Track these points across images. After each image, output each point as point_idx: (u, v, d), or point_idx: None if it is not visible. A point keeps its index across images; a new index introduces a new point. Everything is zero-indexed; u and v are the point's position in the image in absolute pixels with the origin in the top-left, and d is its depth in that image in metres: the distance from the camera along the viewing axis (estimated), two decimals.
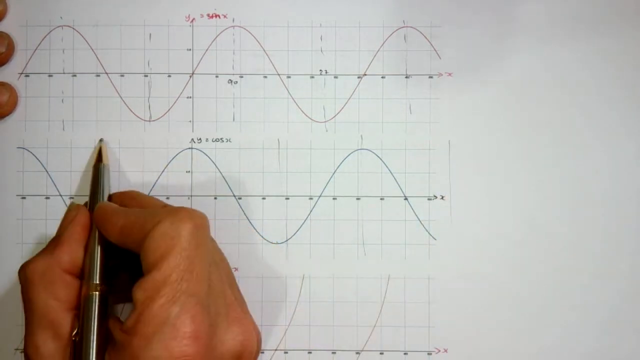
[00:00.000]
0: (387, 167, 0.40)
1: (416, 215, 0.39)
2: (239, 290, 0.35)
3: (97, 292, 0.33)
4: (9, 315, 0.39)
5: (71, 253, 0.33)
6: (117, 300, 0.37)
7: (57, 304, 0.32)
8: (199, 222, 0.32)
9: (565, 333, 0.39)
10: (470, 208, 0.39)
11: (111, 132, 0.39)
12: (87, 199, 0.37)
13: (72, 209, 0.35)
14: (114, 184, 0.39)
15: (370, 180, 0.40)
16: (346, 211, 0.39)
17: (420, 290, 0.39)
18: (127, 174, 0.39)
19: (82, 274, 0.34)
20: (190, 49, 0.40)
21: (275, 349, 0.39)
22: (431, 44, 0.40)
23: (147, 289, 0.30)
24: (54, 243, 0.34)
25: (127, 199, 0.36)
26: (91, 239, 0.34)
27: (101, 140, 0.39)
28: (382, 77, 0.40)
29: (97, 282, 0.33)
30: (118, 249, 0.33)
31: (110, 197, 0.37)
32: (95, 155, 0.39)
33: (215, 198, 0.39)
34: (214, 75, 0.40)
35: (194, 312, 0.30)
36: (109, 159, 0.39)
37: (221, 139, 0.40)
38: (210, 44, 0.40)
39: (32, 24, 0.40)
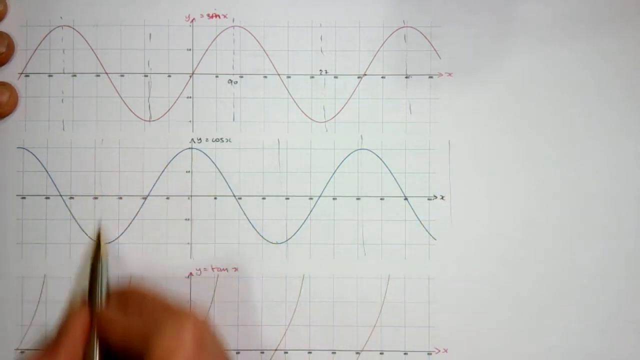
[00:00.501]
0: (387, 167, 0.40)
1: (416, 215, 0.39)
2: None
3: None
4: (9, 315, 0.39)
5: (71, 358, 0.34)
6: None
7: None
8: (201, 327, 0.32)
9: (566, 333, 0.39)
10: (470, 208, 0.39)
11: (111, 132, 0.39)
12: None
13: (72, 311, 0.35)
14: (114, 186, 0.39)
15: (370, 180, 0.40)
16: (346, 211, 0.39)
17: (420, 290, 0.39)
18: (127, 174, 0.39)
19: None
20: (190, 49, 0.40)
21: (275, 349, 0.39)
22: (431, 44, 0.40)
23: None
24: (53, 346, 0.34)
25: (127, 297, 0.36)
26: (90, 343, 0.34)
27: (99, 226, 0.38)
28: (382, 77, 0.40)
29: None
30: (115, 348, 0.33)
31: (108, 292, 0.37)
32: (93, 245, 0.38)
33: (215, 198, 0.39)
34: (214, 75, 0.40)
35: None
36: (107, 251, 0.38)
37: (221, 139, 0.40)
38: (210, 44, 0.40)
39: (32, 24, 0.40)
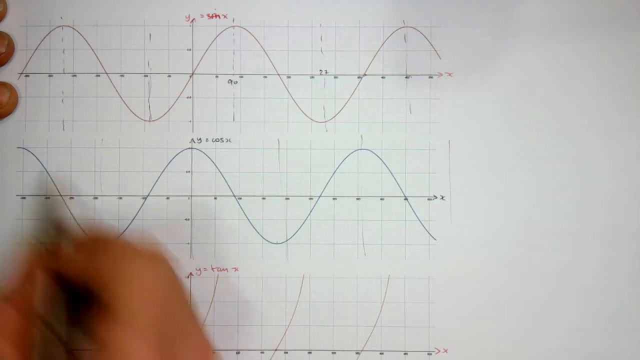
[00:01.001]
0: (387, 167, 0.40)
1: (416, 215, 0.39)
2: (196, 317, 0.36)
3: (47, 329, 0.33)
4: None
5: (25, 292, 0.34)
6: (74, 332, 0.37)
7: (7, 343, 0.32)
8: (161, 261, 0.32)
9: (565, 333, 0.39)
10: (470, 208, 0.39)
11: (111, 132, 0.39)
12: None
13: (27, 247, 0.35)
14: (114, 186, 0.39)
15: (370, 180, 0.40)
16: (346, 211, 0.39)
17: (420, 290, 0.39)
18: (127, 174, 0.39)
19: (35, 312, 0.34)
20: (190, 49, 0.40)
21: (275, 349, 0.39)
22: (431, 44, 0.40)
23: (107, 325, 0.30)
24: (7, 281, 0.34)
25: (92, 240, 0.36)
26: (45, 277, 0.34)
27: (46, 173, 0.39)
28: (382, 77, 0.40)
29: (50, 319, 0.33)
30: (74, 285, 0.33)
31: (65, 231, 0.37)
32: (45, 188, 0.38)
33: (215, 198, 0.39)
34: (214, 75, 0.40)
35: (154, 342, 0.31)
36: (59, 189, 0.38)
37: (221, 139, 0.40)
38: (210, 44, 0.40)
39: (32, 24, 0.40)
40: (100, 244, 0.36)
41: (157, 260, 0.33)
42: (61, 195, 0.38)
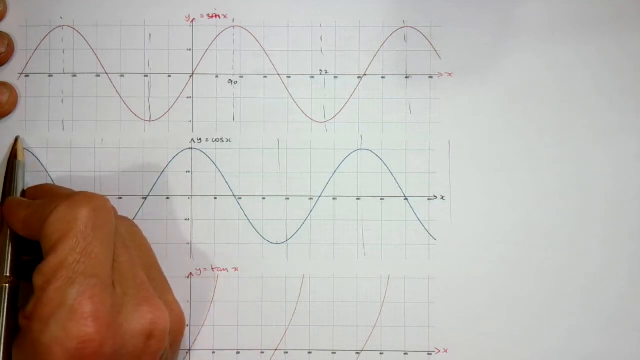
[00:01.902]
0: (387, 167, 0.40)
1: (416, 215, 0.39)
2: (160, 273, 0.35)
3: (7, 285, 0.33)
4: None
5: None
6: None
7: None
8: (98, 204, 0.32)
9: (566, 333, 0.39)
10: (470, 208, 0.39)
11: (111, 132, 0.39)
12: None
13: None
14: (114, 186, 0.39)
15: (370, 180, 0.40)
16: (346, 211, 0.39)
17: (420, 290, 0.39)
18: (127, 174, 0.39)
19: None
20: (190, 49, 0.40)
21: (275, 349, 0.39)
22: (431, 44, 0.40)
23: (44, 273, 0.30)
24: None
25: (39, 193, 0.37)
26: (2, 233, 0.34)
27: (18, 137, 0.39)
28: (382, 77, 0.40)
29: (8, 274, 0.34)
30: (31, 243, 0.33)
31: (24, 192, 0.37)
32: (10, 152, 0.38)
33: (215, 198, 0.39)
34: (214, 75, 0.40)
35: (93, 293, 0.30)
36: (24, 156, 0.38)
37: (221, 139, 0.40)
38: (210, 44, 0.40)
39: (32, 24, 0.40)
40: (39, 194, 0.36)
41: (84, 202, 0.31)
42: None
